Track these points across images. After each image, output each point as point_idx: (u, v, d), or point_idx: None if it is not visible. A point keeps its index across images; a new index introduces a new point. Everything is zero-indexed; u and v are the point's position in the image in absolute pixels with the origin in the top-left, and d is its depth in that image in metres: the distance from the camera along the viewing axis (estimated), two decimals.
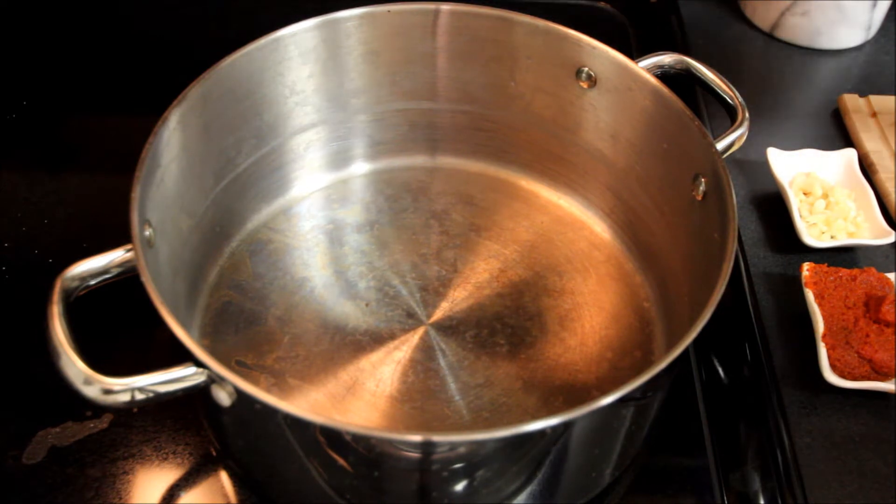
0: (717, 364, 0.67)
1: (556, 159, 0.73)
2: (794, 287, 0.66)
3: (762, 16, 0.93)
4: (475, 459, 0.48)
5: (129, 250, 0.50)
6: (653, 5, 1.00)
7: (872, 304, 0.63)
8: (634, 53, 0.92)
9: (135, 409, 0.60)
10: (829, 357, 0.61)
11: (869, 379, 0.60)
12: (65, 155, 0.80)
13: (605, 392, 0.45)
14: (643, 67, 0.64)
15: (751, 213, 0.74)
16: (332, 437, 0.47)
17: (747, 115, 0.63)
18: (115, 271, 0.51)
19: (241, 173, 0.68)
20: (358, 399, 0.60)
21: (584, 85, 0.68)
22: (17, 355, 0.63)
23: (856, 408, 0.60)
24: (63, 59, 0.90)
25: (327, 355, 0.62)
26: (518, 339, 0.64)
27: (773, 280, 0.68)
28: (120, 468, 0.57)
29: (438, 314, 0.65)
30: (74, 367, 0.45)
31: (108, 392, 0.45)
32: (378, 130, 0.74)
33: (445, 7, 0.68)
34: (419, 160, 0.77)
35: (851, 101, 0.83)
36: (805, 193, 0.73)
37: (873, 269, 0.65)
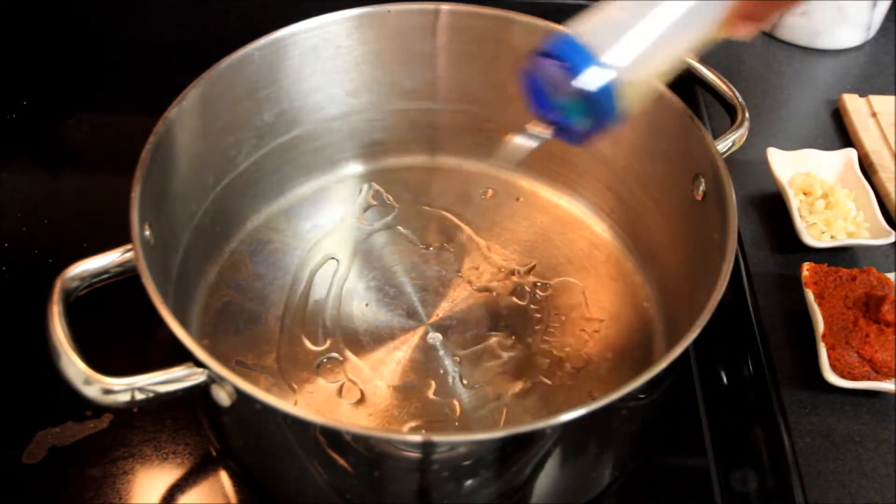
0: (716, 364, 0.67)
1: (556, 159, 0.73)
2: (794, 287, 0.66)
3: None
4: (475, 459, 0.48)
5: (129, 250, 0.50)
6: None
7: (872, 304, 0.63)
8: None
9: (135, 409, 0.60)
10: (829, 357, 0.61)
11: (869, 379, 0.60)
12: (65, 155, 0.80)
13: (605, 392, 0.45)
14: None
15: (751, 213, 0.74)
16: (332, 437, 0.47)
17: (747, 115, 0.63)
18: (115, 271, 0.51)
19: (241, 173, 0.68)
20: (359, 399, 0.60)
21: None
22: (17, 355, 0.63)
23: (856, 408, 0.60)
24: (63, 59, 0.90)
25: (327, 355, 0.62)
26: (518, 339, 0.64)
27: (773, 280, 0.68)
28: (120, 468, 0.57)
29: (438, 314, 0.65)
30: (74, 367, 0.45)
31: (108, 392, 0.45)
32: (378, 130, 0.74)
33: (445, 7, 0.68)
34: (419, 160, 0.77)
35: (851, 101, 0.83)
36: (805, 193, 0.73)
37: (873, 269, 0.65)
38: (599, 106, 0.44)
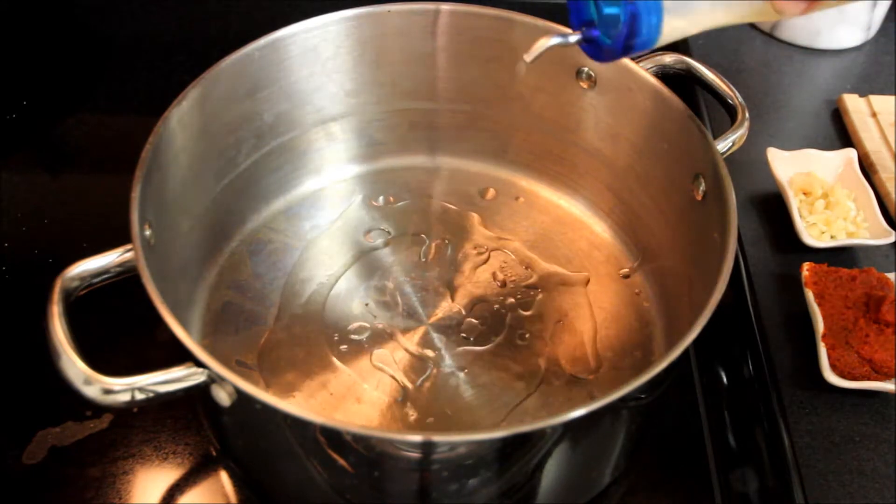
0: (717, 364, 0.67)
1: (556, 159, 0.73)
2: (794, 287, 0.66)
3: None
4: (475, 459, 0.48)
5: (129, 250, 0.50)
6: None
7: (872, 304, 0.63)
8: None
9: (135, 409, 0.60)
10: (829, 357, 0.61)
11: (869, 379, 0.60)
12: (65, 155, 0.80)
13: (605, 392, 0.45)
14: (643, 67, 0.64)
15: (751, 213, 0.74)
16: (332, 437, 0.47)
17: (747, 115, 0.63)
18: (115, 271, 0.51)
19: (242, 173, 0.68)
20: (358, 399, 0.60)
21: (584, 85, 0.68)
22: (17, 355, 0.63)
23: (856, 408, 0.61)
24: (64, 59, 0.90)
25: (327, 355, 0.62)
26: (518, 339, 0.64)
27: (773, 280, 0.68)
28: (120, 468, 0.57)
29: (438, 314, 0.65)
30: (74, 367, 0.45)
31: (108, 392, 0.45)
32: (378, 130, 0.74)
33: (445, 7, 0.68)
34: (419, 160, 0.77)
35: (851, 101, 0.84)
36: (805, 193, 0.73)
37: (873, 269, 0.65)
38: (635, 22, 0.46)
